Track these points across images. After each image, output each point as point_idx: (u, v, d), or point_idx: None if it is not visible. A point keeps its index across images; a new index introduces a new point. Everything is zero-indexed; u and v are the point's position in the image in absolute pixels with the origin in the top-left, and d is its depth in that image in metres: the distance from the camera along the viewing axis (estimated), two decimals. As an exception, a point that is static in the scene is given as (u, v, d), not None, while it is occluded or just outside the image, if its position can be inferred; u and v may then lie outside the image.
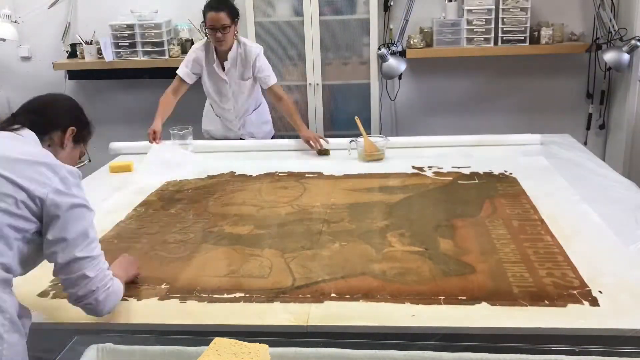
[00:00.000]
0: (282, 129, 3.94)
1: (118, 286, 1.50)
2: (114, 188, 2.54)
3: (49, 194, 1.38)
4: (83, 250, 1.40)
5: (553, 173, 2.53)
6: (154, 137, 2.98)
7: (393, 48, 3.74)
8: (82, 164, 1.73)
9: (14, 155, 1.42)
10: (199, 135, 3.27)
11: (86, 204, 1.45)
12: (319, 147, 2.96)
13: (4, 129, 1.51)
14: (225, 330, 1.42)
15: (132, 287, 1.68)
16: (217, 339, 1.18)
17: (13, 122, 1.53)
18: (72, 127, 1.60)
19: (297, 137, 3.07)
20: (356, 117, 2.97)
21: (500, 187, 2.39)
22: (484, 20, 3.73)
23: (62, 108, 1.64)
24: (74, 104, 1.67)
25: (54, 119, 1.58)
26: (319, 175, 2.64)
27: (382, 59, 3.70)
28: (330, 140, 3.24)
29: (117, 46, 3.93)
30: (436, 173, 2.59)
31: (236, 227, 2.10)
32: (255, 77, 3.09)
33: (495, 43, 3.76)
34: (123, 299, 1.60)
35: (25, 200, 1.36)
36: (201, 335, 1.32)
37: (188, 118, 4.18)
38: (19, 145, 1.47)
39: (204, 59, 3.06)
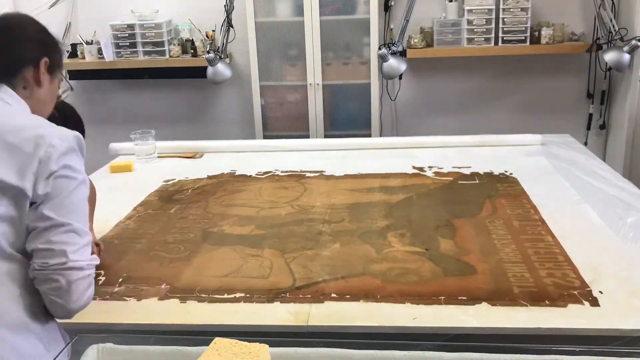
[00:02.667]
0: (277, 129, 3.95)
1: None
2: (114, 188, 2.54)
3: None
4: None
5: (553, 173, 2.53)
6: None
7: (393, 48, 3.73)
8: (65, 94, 1.51)
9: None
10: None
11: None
12: None
13: None
14: (225, 330, 1.42)
15: (132, 287, 1.68)
16: (217, 339, 1.18)
17: None
18: (45, 59, 1.35)
19: (294, 137, 3.07)
20: None
21: (500, 187, 2.38)
22: (484, 20, 3.72)
23: (25, 37, 1.35)
24: (36, 27, 1.39)
25: (21, 55, 1.32)
26: (320, 175, 2.64)
27: (382, 59, 3.70)
28: (331, 140, 3.24)
29: (117, 46, 3.93)
30: (436, 173, 2.59)
31: (236, 227, 2.10)
32: None
33: (496, 43, 3.76)
34: (122, 299, 1.60)
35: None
36: (201, 335, 1.32)
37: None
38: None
39: None
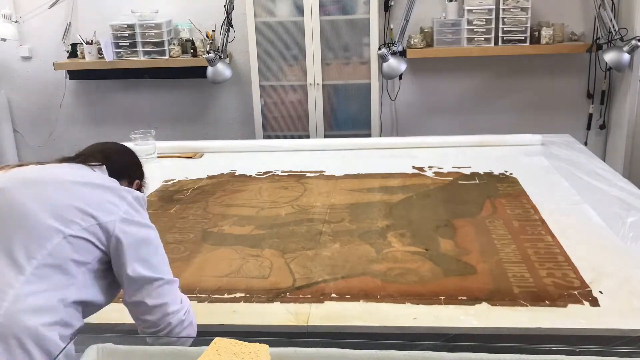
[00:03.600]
0: (277, 129, 3.94)
1: (193, 312, 1.37)
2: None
3: (116, 222, 1.27)
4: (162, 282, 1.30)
5: (553, 173, 2.53)
6: None
7: (393, 48, 3.73)
8: None
9: (78, 180, 1.33)
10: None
11: (154, 230, 1.35)
12: None
13: (73, 161, 1.45)
14: (225, 330, 1.42)
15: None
16: (217, 339, 1.18)
17: (79, 159, 1.46)
18: (138, 181, 1.57)
19: (294, 137, 3.06)
20: None
21: (500, 187, 2.38)
22: (484, 20, 3.72)
23: (131, 160, 1.59)
24: (138, 158, 1.63)
25: (124, 168, 1.53)
26: (320, 175, 2.64)
27: (382, 59, 3.70)
28: (331, 140, 3.25)
29: (117, 46, 3.92)
30: (436, 173, 2.59)
31: (236, 227, 2.10)
32: None
33: (496, 43, 3.76)
34: (120, 302, 1.60)
35: (91, 227, 1.25)
36: (201, 335, 1.32)
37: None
38: (86, 172, 1.39)
39: None
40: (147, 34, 3.89)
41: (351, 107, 3.95)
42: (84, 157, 1.46)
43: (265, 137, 3.91)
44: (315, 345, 1.22)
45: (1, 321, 1.12)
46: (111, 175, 1.45)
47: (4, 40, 3.98)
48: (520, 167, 2.61)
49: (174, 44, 3.97)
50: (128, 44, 3.92)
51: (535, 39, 3.76)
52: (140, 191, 1.55)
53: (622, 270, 1.67)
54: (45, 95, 4.33)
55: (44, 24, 4.16)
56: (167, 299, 1.29)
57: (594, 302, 1.51)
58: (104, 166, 1.45)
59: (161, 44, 3.91)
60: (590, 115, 4.01)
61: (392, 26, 3.89)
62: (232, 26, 3.73)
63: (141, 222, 1.33)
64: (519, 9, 3.68)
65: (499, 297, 1.55)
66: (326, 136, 3.88)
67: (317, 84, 3.80)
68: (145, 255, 1.29)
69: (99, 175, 1.41)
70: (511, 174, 2.54)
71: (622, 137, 3.76)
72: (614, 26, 3.57)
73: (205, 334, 1.29)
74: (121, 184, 1.44)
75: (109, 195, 1.32)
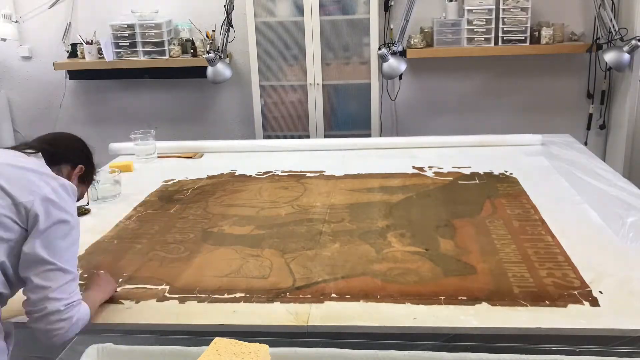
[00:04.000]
0: (277, 129, 3.95)
1: (85, 312, 1.39)
2: (114, 188, 2.54)
3: (35, 201, 1.34)
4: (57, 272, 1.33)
5: (553, 173, 2.53)
6: None
7: (393, 48, 3.73)
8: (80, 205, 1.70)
9: (6, 162, 1.40)
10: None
11: (73, 220, 1.40)
12: None
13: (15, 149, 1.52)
14: (225, 330, 1.42)
15: (132, 287, 1.68)
16: (217, 339, 1.18)
17: (25, 148, 1.54)
18: (82, 166, 1.62)
19: (294, 137, 3.06)
20: None
21: (500, 187, 2.38)
22: (484, 20, 3.72)
23: (75, 145, 1.66)
24: (85, 145, 1.69)
25: (66, 153, 1.60)
26: (319, 175, 2.64)
27: (382, 58, 3.70)
28: (331, 140, 3.25)
29: (117, 46, 3.92)
30: (436, 173, 2.59)
31: (236, 227, 2.10)
32: None
33: (496, 43, 3.76)
34: (119, 303, 1.60)
35: (9, 207, 1.32)
36: (201, 335, 1.32)
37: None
38: (19, 157, 1.45)
39: None
40: (147, 34, 3.89)
41: (351, 107, 3.95)
42: (22, 146, 1.54)
43: (265, 137, 3.91)
44: (315, 345, 1.22)
45: None
46: (51, 159, 1.52)
47: (4, 40, 3.98)
48: (520, 167, 2.62)
49: (174, 44, 3.97)
50: (128, 44, 3.92)
51: (535, 39, 3.76)
52: (85, 178, 1.65)
53: (622, 270, 1.67)
54: (45, 95, 4.33)
55: (44, 24, 4.16)
56: (52, 284, 1.32)
57: (594, 302, 1.51)
58: (40, 154, 1.50)
59: (161, 44, 3.91)
60: (590, 115, 4.01)
61: (392, 26, 3.89)
62: (232, 26, 3.73)
63: (63, 207, 1.38)
64: (519, 9, 3.68)
65: (499, 297, 1.55)
66: (326, 136, 3.88)
67: (317, 84, 3.80)
68: (51, 238, 1.34)
69: (32, 160, 1.46)
70: (511, 174, 2.54)
71: (622, 137, 3.76)
72: (614, 26, 3.57)
73: (205, 334, 1.29)
74: (62, 169, 1.56)
75: (33, 177, 1.38)
